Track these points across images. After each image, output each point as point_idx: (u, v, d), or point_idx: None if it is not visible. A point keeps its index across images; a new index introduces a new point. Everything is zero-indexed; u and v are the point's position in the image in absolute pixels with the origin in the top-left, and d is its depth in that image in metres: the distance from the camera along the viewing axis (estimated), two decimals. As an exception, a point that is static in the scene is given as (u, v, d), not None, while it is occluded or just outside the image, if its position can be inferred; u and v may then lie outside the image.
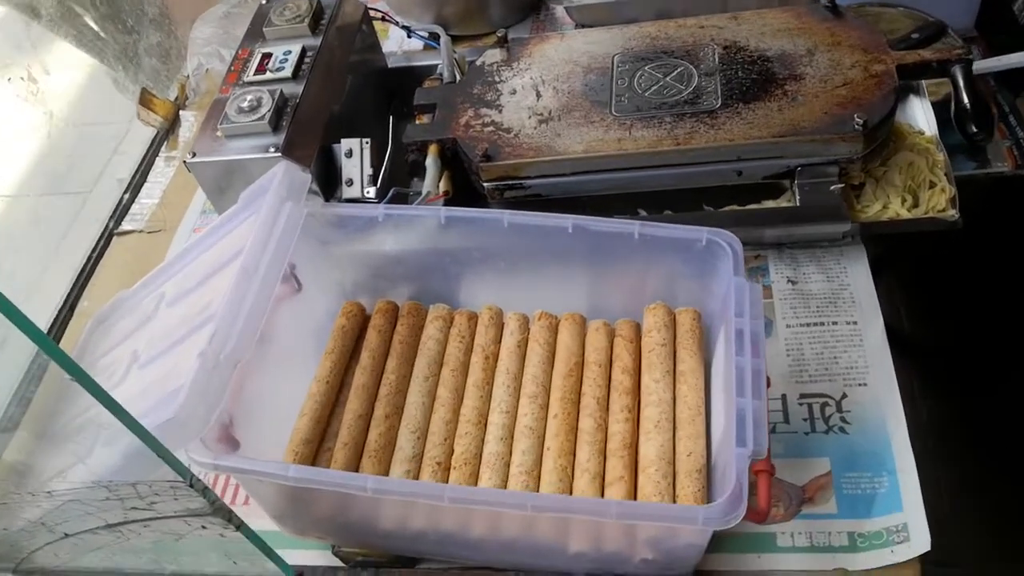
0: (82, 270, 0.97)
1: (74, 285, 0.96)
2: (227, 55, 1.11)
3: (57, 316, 0.93)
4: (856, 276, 0.79)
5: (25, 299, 0.93)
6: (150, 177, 1.07)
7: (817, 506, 0.65)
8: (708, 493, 0.60)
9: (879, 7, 0.96)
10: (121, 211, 1.03)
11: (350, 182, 0.83)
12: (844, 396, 0.70)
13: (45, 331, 0.92)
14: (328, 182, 0.84)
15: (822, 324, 0.76)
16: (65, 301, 0.94)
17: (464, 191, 0.86)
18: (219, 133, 0.81)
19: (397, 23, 1.04)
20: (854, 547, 0.62)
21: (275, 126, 0.80)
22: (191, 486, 0.54)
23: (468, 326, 0.74)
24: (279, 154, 0.78)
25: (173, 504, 0.57)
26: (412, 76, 1.04)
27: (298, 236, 0.69)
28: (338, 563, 0.68)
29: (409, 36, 1.06)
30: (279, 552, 0.65)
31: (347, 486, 0.54)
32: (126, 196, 1.04)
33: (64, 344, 0.91)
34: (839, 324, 0.75)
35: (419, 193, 0.83)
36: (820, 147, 0.78)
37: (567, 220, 0.67)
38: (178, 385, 0.59)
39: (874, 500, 0.64)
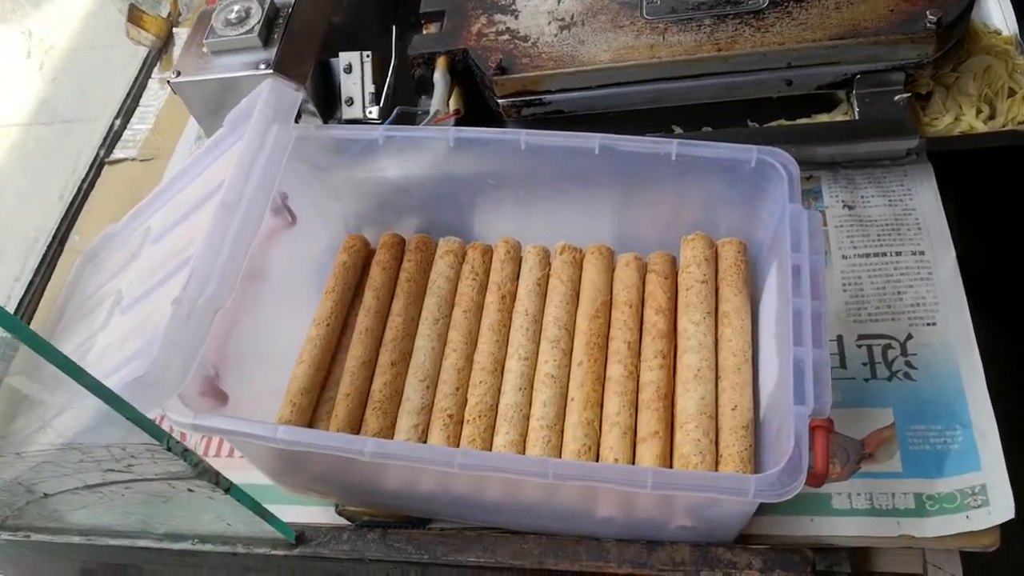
0: (72, 203, 0.90)
1: (63, 219, 0.89)
2: (220, -36, 1.01)
3: (46, 253, 0.87)
4: (922, 199, 0.69)
5: (10, 237, 0.87)
6: (143, 101, 0.99)
7: (879, 463, 0.57)
8: (756, 453, 0.52)
9: None
10: (112, 138, 0.96)
11: (350, 101, 0.75)
12: (910, 337, 0.62)
13: (34, 268, 0.87)
14: (327, 102, 0.76)
15: (884, 255, 0.67)
16: (54, 236, 0.88)
17: (477, 109, 0.77)
18: (205, 49, 0.73)
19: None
20: (922, 511, 0.55)
21: (266, 40, 0.72)
22: (169, 449, 0.48)
23: (482, 261, 0.66)
24: (271, 71, 0.70)
25: (152, 467, 0.51)
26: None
27: (291, 163, 0.61)
28: (342, 522, 0.62)
29: (416, -65, 0.95)
30: (277, 508, 0.60)
31: (344, 449, 0.48)
32: (117, 122, 0.97)
33: (54, 283, 0.85)
34: (903, 255, 0.66)
35: (427, 112, 0.74)
36: (884, 50, 0.68)
37: (593, 139, 0.58)
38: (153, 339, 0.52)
39: (946, 457, 0.56)
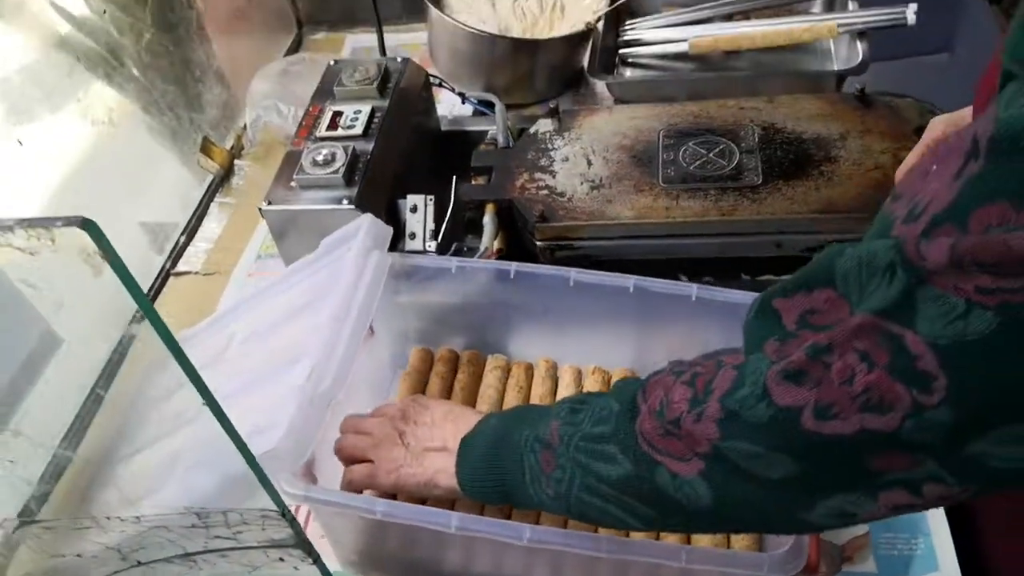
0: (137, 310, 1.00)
1: (132, 322, 0.99)
2: (284, 109, 1.16)
3: (112, 354, 0.96)
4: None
5: (84, 338, 0.96)
6: (205, 221, 1.12)
7: (856, 565, 0.68)
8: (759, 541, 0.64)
9: (890, 96, 1.02)
10: (177, 253, 1.07)
11: (413, 235, 0.88)
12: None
13: (103, 364, 0.96)
14: (393, 235, 0.89)
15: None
16: (120, 340, 0.97)
17: (515, 250, 0.91)
18: (294, 183, 0.86)
19: (452, 89, 1.11)
20: (893, 603, 0.66)
21: (348, 180, 0.85)
22: (283, 516, 0.57)
23: (525, 377, 0.78)
24: (352, 207, 0.83)
25: (259, 534, 0.60)
26: (462, 139, 1.11)
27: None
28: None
29: (463, 102, 1.12)
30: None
31: (431, 522, 0.58)
32: (182, 239, 1.09)
33: (119, 381, 0.94)
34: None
35: (472, 249, 0.88)
36: (855, 224, 0.84)
37: (628, 280, 0.72)
38: (268, 421, 0.62)
39: (912, 561, 0.68)
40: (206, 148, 1.14)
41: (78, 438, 0.86)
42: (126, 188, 1.07)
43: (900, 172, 0.75)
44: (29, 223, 0.41)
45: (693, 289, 0.71)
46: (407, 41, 1.35)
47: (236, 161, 1.19)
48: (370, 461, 0.65)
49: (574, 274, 0.73)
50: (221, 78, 1.21)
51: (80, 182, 0.98)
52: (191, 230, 1.10)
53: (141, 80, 1.04)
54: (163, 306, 1.02)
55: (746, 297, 0.70)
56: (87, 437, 0.85)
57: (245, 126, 1.20)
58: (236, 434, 0.51)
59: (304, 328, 0.67)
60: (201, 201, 1.13)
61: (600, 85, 1.21)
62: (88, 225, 0.41)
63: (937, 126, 0.71)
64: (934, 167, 0.39)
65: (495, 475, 0.58)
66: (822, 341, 0.39)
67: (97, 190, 1.01)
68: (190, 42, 1.15)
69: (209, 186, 1.15)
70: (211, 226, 1.12)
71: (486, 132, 1.09)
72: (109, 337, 0.99)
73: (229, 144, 1.20)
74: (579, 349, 0.79)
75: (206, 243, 1.09)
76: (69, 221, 0.41)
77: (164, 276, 1.05)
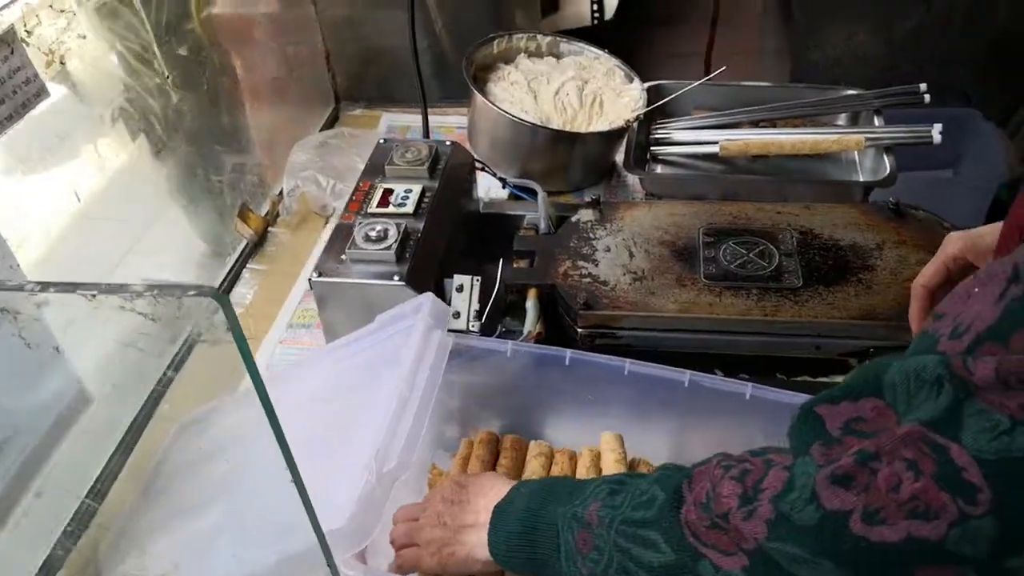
0: (164, 374, 0.99)
1: (155, 387, 0.98)
2: (323, 181, 1.18)
3: (136, 417, 0.95)
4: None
5: (109, 402, 0.95)
6: (237, 285, 1.12)
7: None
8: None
9: (912, 208, 1.06)
10: (207, 316, 1.07)
11: (457, 315, 0.88)
12: None
13: (125, 429, 0.94)
14: (436, 313, 0.90)
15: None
16: (146, 401, 0.96)
17: (554, 335, 0.91)
18: (344, 257, 0.86)
19: (494, 174, 1.13)
20: None
21: (399, 257, 0.86)
22: (340, 596, 0.56)
23: (570, 465, 0.77)
24: (403, 283, 0.84)
25: (311, 612, 0.59)
26: (499, 222, 1.12)
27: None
28: None
29: (504, 187, 1.14)
30: None
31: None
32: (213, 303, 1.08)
33: (143, 444, 0.92)
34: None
35: (511, 331, 0.88)
36: (893, 332, 0.85)
37: (684, 375, 0.73)
38: (325, 498, 0.61)
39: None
40: (243, 214, 1.15)
41: (102, 496, 0.84)
42: (157, 249, 1.07)
43: (916, 284, 0.76)
44: (160, 291, 0.42)
45: (748, 388, 0.72)
46: (442, 124, 1.38)
47: (270, 228, 1.20)
48: (417, 545, 0.65)
49: (628, 364, 0.73)
50: (257, 147, 1.23)
51: (105, 239, 0.98)
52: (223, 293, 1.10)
53: (182, 145, 1.06)
54: (189, 369, 1.01)
55: (799, 399, 0.71)
56: (111, 498, 0.84)
57: (281, 194, 1.22)
58: (314, 514, 0.50)
59: (362, 403, 0.67)
60: (234, 265, 1.14)
61: (632, 178, 1.25)
62: (220, 297, 0.41)
63: (955, 243, 0.73)
64: (976, 290, 0.42)
65: (529, 549, 0.59)
66: (870, 448, 0.41)
67: (124, 249, 1.01)
68: (226, 109, 1.17)
69: (242, 251, 1.16)
70: (242, 291, 1.12)
71: (522, 217, 1.11)
72: (136, 399, 0.98)
73: (263, 211, 1.21)
74: (624, 439, 0.79)
75: (237, 308, 1.09)
76: (201, 291, 0.41)
77: (191, 343, 1.04)
